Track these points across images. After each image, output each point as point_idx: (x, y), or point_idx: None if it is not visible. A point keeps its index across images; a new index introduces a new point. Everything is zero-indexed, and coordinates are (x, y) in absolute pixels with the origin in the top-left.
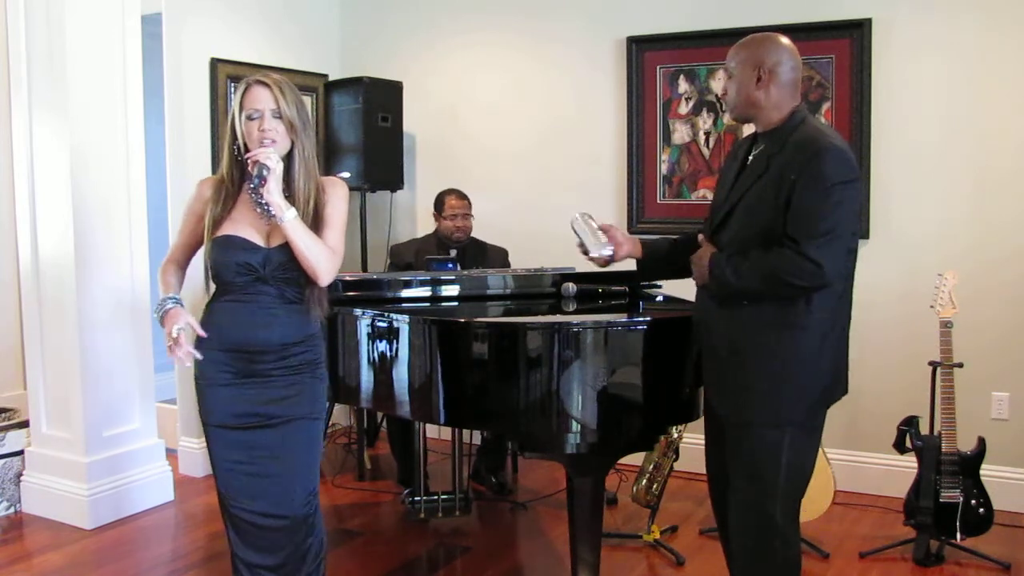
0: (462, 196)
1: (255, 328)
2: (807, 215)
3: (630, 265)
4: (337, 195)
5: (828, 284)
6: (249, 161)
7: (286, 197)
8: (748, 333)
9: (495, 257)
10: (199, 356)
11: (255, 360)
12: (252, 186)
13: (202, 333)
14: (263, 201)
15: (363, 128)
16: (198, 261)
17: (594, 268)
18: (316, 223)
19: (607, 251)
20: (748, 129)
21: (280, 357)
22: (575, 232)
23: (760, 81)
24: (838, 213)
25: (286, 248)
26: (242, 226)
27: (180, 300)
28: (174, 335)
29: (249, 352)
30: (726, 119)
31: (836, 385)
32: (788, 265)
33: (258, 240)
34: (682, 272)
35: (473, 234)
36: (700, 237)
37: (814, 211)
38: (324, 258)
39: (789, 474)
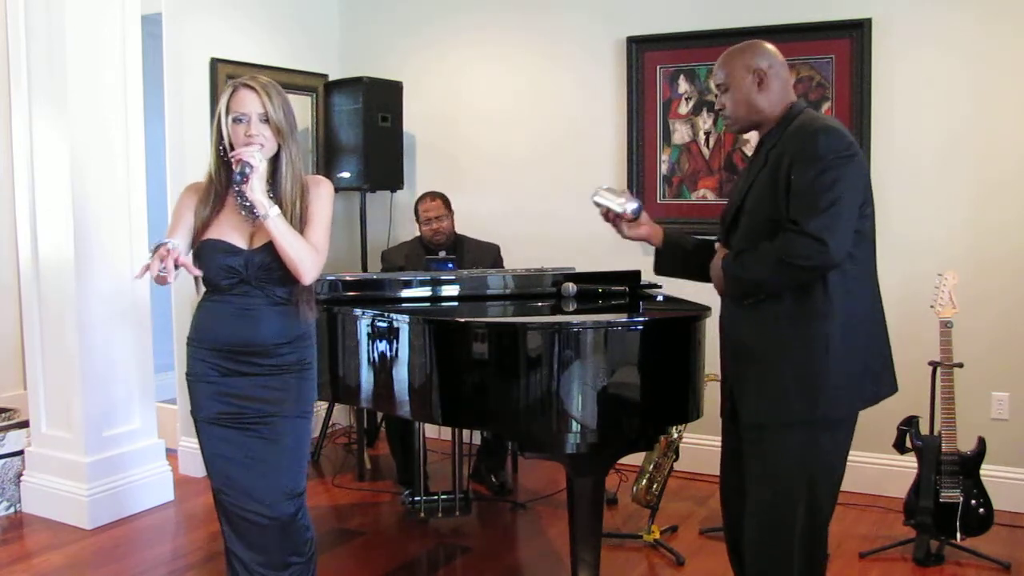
0: (435, 197)
1: (241, 327)
2: (805, 194)
3: (630, 265)
4: (321, 194)
5: (835, 262)
6: (233, 160)
7: (272, 199)
8: (770, 329)
9: (482, 254)
10: (163, 273)
11: (241, 359)
12: (236, 182)
13: (192, 268)
14: (247, 201)
15: (363, 128)
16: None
17: (594, 268)
18: (301, 223)
19: (632, 204)
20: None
21: (266, 356)
22: (598, 204)
23: (761, 84)
24: (837, 189)
25: (268, 249)
26: (226, 229)
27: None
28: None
29: (234, 351)
30: None
31: (875, 380)
32: (791, 247)
33: (240, 243)
34: (699, 274)
35: (471, 234)
36: (717, 245)
37: (811, 189)
38: (307, 256)
39: (816, 478)
